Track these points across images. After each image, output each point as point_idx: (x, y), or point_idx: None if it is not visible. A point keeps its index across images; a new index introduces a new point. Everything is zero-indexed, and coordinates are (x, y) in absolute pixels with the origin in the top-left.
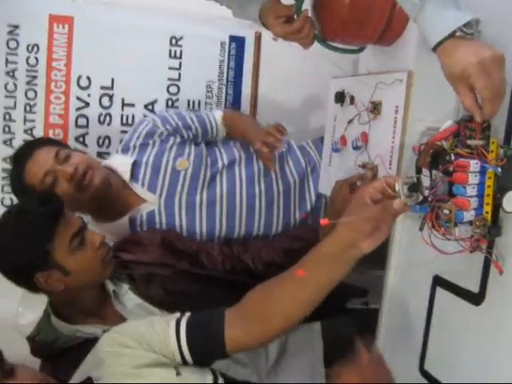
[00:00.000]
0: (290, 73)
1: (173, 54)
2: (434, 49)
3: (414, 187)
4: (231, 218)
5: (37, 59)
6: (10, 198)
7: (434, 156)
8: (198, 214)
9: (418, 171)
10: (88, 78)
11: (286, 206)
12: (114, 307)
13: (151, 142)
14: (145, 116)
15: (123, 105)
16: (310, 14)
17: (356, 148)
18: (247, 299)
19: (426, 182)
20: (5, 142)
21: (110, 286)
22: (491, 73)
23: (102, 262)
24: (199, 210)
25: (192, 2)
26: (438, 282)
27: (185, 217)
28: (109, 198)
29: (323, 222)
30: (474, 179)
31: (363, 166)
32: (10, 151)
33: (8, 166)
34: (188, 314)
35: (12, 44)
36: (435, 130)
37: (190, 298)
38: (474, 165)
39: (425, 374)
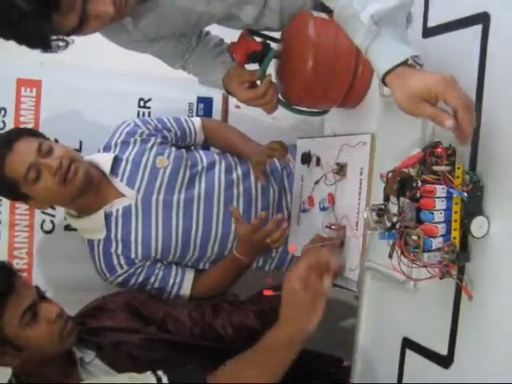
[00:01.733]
0: (259, 131)
1: (141, 116)
2: (385, 76)
3: (382, 214)
4: (208, 219)
5: (4, 123)
6: None
7: (402, 183)
8: (175, 212)
9: (386, 198)
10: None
11: (264, 209)
12: (80, 375)
13: (132, 140)
14: None
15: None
16: (273, 79)
17: (323, 209)
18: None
19: (393, 209)
20: None
21: (77, 353)
22: (456, 87)
23: (59, 336)
24: (176, 208)
25: (160, 64)
26: (408, 344)
27: (161, 214)
28: (88, 192)
29: (266, 292)
30: (441, 205)
31: (330, 227)
32: None
33: None
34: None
35: None
36: None
37: (158, 366)
38: (441, 190)
39: None
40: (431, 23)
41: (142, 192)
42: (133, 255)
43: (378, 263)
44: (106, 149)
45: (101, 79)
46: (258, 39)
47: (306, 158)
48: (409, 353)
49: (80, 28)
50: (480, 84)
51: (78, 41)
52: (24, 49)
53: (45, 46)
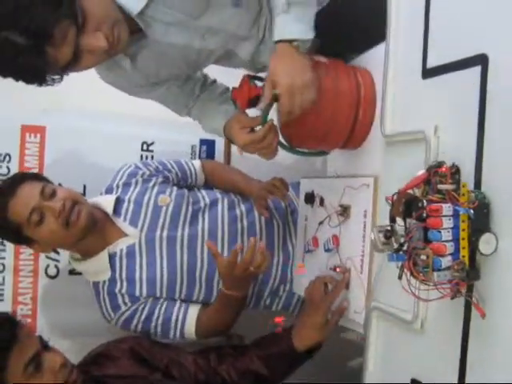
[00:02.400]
0: (261, 171)
1: (144, 159)
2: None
3: (389, 235)
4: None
5: (8, 168)
6: None
7: (407, 204)
8: (179, 249)
9: (392, 220)
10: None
11: (269, 246)
12: None
13: (134, 181)
14: None
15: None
16: (275, 122)
17: (328, 250)
18: None
19: (400, 230)
20: None
21: None
22: (295, 95)
23: None
24: (180, 244)
25: (162, 108)
26: None
27: (165, 251)
28: (91, 233)
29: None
30: (448, 223)
31: (335, 269)
32: None
33: None
34: None
35: None
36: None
37: None
38: (447, 208)
39: None
40: (430, 64)
41: (146, 230)
42: (137, 293)
43: (383, 303)
44: (108, 191)
45: (103, 123)
46: (260, 83)
47: (310, 198)
48: None
49: (75, 62)
50: (481, 125)
51: (80, 85)
52: (27, 95)
53: (40, 80)
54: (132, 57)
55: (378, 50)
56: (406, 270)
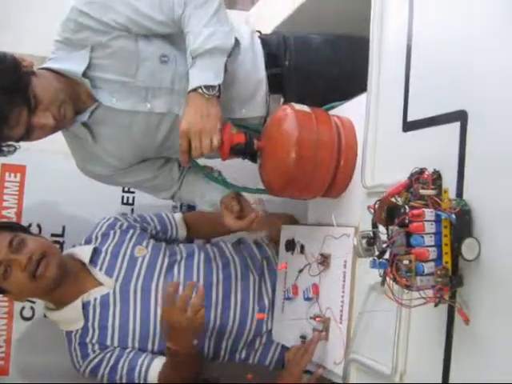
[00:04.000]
0: None
1: (125, 201)
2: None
3: (372, 242)
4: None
5: None
6: None
7: (389, 211)
8: (154, 299)
9: (374, 226)
10: (38, 226)
11: (244, 299)
12: None
13: (112, 232)
14: None
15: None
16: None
17: (307, 299)
18: None
19: (383, 237)
20: None
21: None
22: (198, 139)
23: None
24: (154, 295)
25: None
26: None
27: (139, 302)
28: (64, 283)
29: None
30: (430, 228)
31: (314, 319)
32: None
33: None
34: None
35: None
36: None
37: None
38: (429, 213)
39: None
40: (411, 117)
41: (121, 280)
42: (108, 342)
43: (362, 355)
44: (87, 242)
45: None
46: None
47: (290, 246)
48: None
49: (27, 137)
50: (460, 179)
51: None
52: None
53: None
54: (89, 129)
55: (360, 100)
56: (388, 276)
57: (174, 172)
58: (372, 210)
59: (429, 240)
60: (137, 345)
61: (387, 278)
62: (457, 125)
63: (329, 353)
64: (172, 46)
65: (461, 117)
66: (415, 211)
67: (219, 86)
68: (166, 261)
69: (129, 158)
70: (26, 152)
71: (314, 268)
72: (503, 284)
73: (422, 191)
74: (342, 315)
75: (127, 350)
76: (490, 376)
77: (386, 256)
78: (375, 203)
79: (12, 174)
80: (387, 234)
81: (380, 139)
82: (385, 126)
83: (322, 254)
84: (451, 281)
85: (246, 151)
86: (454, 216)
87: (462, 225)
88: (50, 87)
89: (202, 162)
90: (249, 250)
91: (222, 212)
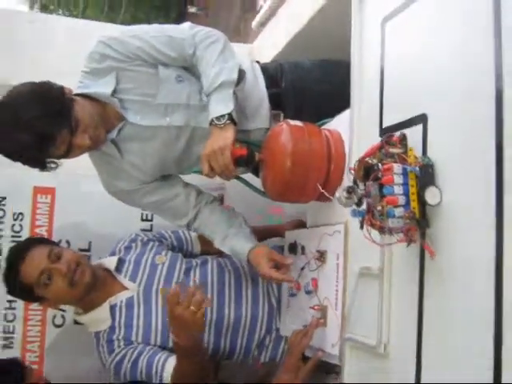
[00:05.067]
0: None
1: (144, 217)
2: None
3: (351, 191)
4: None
5: (21, 226)
6: None
7: (366, 170)
8: None
9: (354, 183)
10: (67, 242)
11: (254, 298)
12: None
13: (134, 244)
14: None
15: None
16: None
17: (308, 292)
18: None
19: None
20: None
21: None
22: (215, 159)
23: None
24: None
25: None
26: None
27: (160, 305)
28: (94, 289)
29: None
30: (398, 179)
31: (313, 308)
32: None
33: None
34: None
35: None
36: (367, 269)
37: None
38: (397, 168)
39: None
40: (385, 124)
41: (143, 284)
42: (133, 337)
43: (354, 334)
44: (112, 254)
45: None
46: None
47: (293, 248)
48: None
49: (67, 154)
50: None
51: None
52: None
53: (42, 168)
54: (117, 146)
55: (346, 114)
56: (366, 222)
57: (191, 197)
58: (352, 171)
59: (398, 189)
60: (158, 341)
61: (365, 224)
62: (420, 127)
63: (327, 337)
64: (184, 70)
65: (422, 120)
66: (386, 166)
67: (230, 113)
68: (184, 267)
69: (152, 171)
70: (55, 175)
71: (312, 264)
72: (460, 223)
73: (391, 149)
74: (337, 302)
75: (148, 348)
76: (455, 299)
77: (364, 208)
78: (354, 164)
79: (43, 196)
80: (364, 187)
81: (362, 145)
82: (365, 134)
83: (318, 251)
84: (418, 223)
85: (249, 162)
86: (417, 169)
87: (425, 176)
88: (87, 112)
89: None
90: None
91: (255, 261)
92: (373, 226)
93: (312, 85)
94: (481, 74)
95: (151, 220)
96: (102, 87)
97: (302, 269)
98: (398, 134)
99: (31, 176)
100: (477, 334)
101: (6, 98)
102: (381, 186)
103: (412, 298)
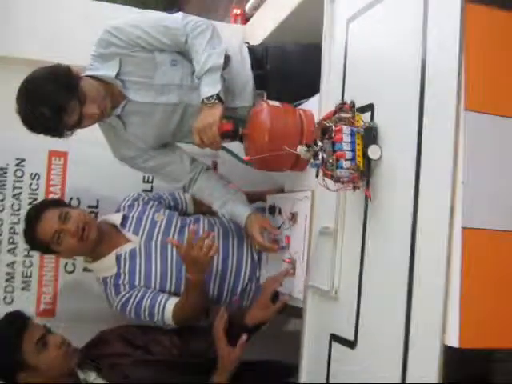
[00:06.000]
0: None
1: (145, 179)
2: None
3: (309, 146)
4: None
5: (38, 185)
6: None
7: (323, 131)
8: (170, 252)
9: (314, 143)
10: (78, 199)
11: (239, 251)
12: None
13: (136, 203)
14: None
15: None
16: (242, 151)
17: (282, 248)
18: None
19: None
20: (9, 251)
21: (81, 375)
22: (205, 133)
23: (64, 357)
24: (171, 249)
25: None
26: (333, 338)
27: (159, 253)
28: (101, 242)
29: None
30: (347, 138)
31: (285, 261)
32: (13, 258)
33: None
34: None
35: (18, 173)
36: (326, 229)
37: (146, 379)
38: (346, 128)
39: None
40: None
41: (144, 238)
42: (136, 282)
43: (314, 282)
44: (117, 211)
45: None
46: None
47: (272, 210)
48: (334, 344)
49: (79, 123)
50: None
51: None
52: None
53: (60, 135)
54: (122, 120)
55: (317, 98)
56: (321, 171)
57: (184, 162)
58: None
59: (346, 146)
60: (158, 286)
61: (320, 173)
62: (368, 114)
63: (294, 285)
64: (178, 55)
65: (370, 108)
66: (337, 127)
67: (218, 94)
68: (179, 223)
69: (152, 141)
70: (68, 141)
71: (286, 224)
72: (393, 175)
73: (343, 114)
74: (303, 256)
75: (149, 291)
76: (382, 240)
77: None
78: (314, 126)
79: (57, 159)
80: (321, 145)
81: None
82: None
83: (291, 213)
84: (362, 173)
85: (233, 136)
86: (362, 130)
87: (369, 136)
88: (93, 86)
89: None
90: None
91: (250, 228)
92: (326, 175)
93: (293, 68)
94: (410, 70)
95: (151, 182)
96: (108, 70)
97: (279, 228)
98: (349, 102)
99: (47, 141)
100: (395, 271)
101: (25, 82)
102: (333, 144)
103: (357, 251)
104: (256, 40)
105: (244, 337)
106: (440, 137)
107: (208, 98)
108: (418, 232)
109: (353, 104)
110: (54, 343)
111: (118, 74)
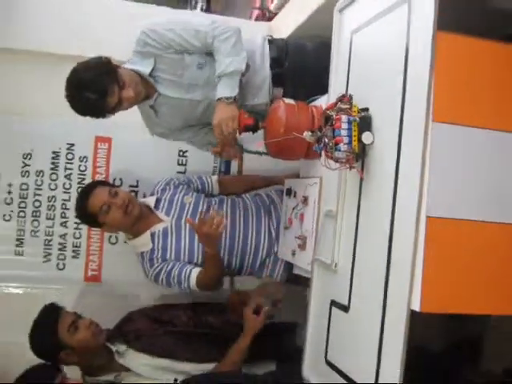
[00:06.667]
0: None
1: (180, 162)
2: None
3: (313, 131)
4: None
5: (86, 167)
6: None
7: (326, 119)
8: None
9: (319, 129)
10: (120, 180)
11: (258, 229)
12: (118, 361)
13: (168, 187)
14: None
15: (144, 197)
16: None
17: (296, 226)
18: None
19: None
20: (61, 224)
21: (112, 348)
22: (223, 129)
23: (93, 335)
24: None
25: None
26: (333, 304)
27: (188, 232)
28: (139, 220)
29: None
30: (345, 125)
31: (297, 237)
32: (65, 230)
33: None
34: None
35: (69, 156)
36: (330, 211)
37: (168, 347)
38: (344, 117)
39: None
40: None
41: (175, 218)
42: (167, 256)
43: (320, 255)
44: (151, 194)
45: (149, 137)
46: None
47: (288, 192)
48: (333, 309)
49: (119, 106)
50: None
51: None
52: None
53: (103, 116)
54: (154, 109)
55: (326, 96)
56: (324, 153)
57: (207, 137)
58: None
59: (344, 132)
60: (186, 258)
61: (322, 154)
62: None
63: (305, 258)
64: (205, 57)
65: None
66: (337, 117)
67: (235, 96)
68: (205, 205)
69: (179, 126)
70: (112, 128)
71: (300, 205)
72: (381, 158)
73: (341, 105)
74: (313, 233)
75: (178, 262)
76: (375, 211)
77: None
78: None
79: (102, 144)
80: (324, 130)
81: None
82: None
83: (304, 196)
84: (357, 155)
85: (254, 129)
86: (357, 119)
87: (364, 124)
88: (130, 75)
89: None
90: (262, 199)
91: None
92: (326, 156)
93: (311, 65)
94: (397, 80)
95: (185, 164)
96: (144, 67)
97: (294, 208)
98: (348, 95)
99: (94, 128)
100: (379, 247)
101: (72, 72)
102: (333, 130)
103: (352, 228)
104: (280, 35)
105: (267, 307)
106: (414, 135)
107: (227, 98)
108: (397, 214)
109: (350, 97)
110: (84, 325)
111: (152, 69)
